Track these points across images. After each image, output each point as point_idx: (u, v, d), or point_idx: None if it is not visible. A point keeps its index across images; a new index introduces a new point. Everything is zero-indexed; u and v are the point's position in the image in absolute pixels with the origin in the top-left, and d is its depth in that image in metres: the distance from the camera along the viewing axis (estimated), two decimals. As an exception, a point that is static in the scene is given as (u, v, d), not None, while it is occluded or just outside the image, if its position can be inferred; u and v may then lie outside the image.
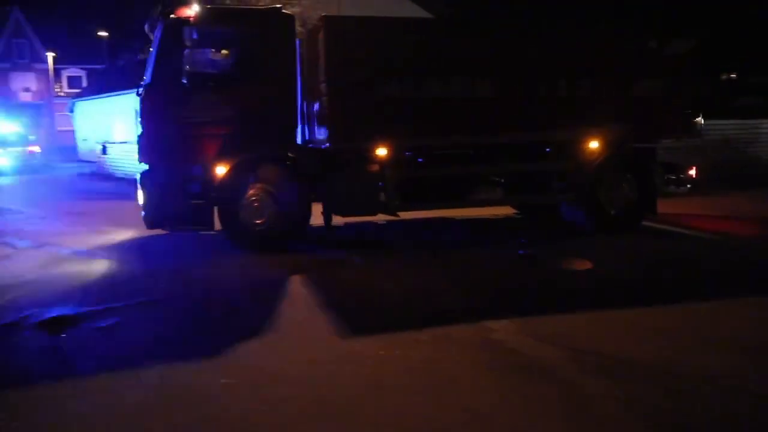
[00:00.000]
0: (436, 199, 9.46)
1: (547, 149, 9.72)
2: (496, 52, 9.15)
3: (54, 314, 6.29)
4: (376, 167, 8.90)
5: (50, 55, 43.75)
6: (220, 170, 8.47)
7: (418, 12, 19.41)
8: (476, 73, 9.08)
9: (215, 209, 8.65)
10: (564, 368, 4.62)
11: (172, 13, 8.44)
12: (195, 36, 8.03)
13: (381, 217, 9.74)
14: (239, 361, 4.92)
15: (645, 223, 10.11)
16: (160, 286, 7.28)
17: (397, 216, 9.40)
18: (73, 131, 32.60)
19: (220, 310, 6.36)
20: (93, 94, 29.19)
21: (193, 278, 7.67)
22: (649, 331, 5.39)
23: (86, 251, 9.32)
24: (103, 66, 43.52)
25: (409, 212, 9.77)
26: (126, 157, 22.30)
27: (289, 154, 8.96)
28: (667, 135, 10.24)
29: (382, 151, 8.84)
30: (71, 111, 31.22)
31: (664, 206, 10.13)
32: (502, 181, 9.88)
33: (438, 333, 5.43)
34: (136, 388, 4.51)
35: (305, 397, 4.23)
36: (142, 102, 8.66)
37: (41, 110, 47.23)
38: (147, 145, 8.68)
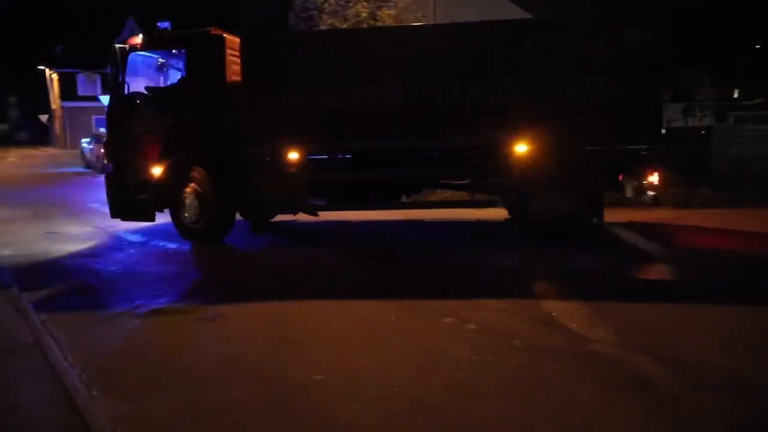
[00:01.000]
0: (349, 201, 9.86)
1: (465, 153, 9.41)
2: (397, 57, 9.02)
3: (161, 304, 6.67)
4: (288, 170, 9.34)
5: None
6: (157, 171, 9.61)
7: (516, 12, 19.04)
8: (377, 79, 9.06)
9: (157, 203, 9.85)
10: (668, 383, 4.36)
11: (123, 43, 9.88)
12: (139, 60, 9.97)
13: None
14: (336, 360, 4.99)
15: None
16: (263, 281, 7.56)
17: (317, 215, 9.79)
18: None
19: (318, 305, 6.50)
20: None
21: (293, 272, 7.93)
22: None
23: (193, 246, 9.86)
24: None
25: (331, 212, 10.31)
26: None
27: (214, 159, 9.65)
28: (619, 139, 8.89)
29: (293, 155, 9.29)
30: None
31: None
32: (415, 184, 10.02)
33: (533, 342, 5.27)
34: (238, 380, 4.68)
35: (399, 398, 4.23)
36: (105, 115, 10.18)
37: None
38: (108, 151, 10.38)
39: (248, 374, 4.78)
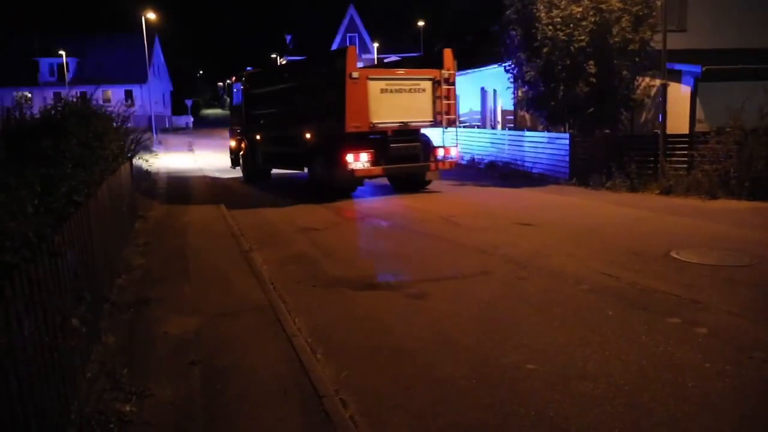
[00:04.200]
0: (276, 164, 17.85)
1: (295, 139, 15.46)
2: (280, 93, 16.62)
3: (377, 279, 7.03)
4: (258, 145, 18.08)
5: (375, 45, 48.74)
6: (233, 144, 20.15)
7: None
8: (290, 99, 16.09)
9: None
10: None
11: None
12: (236, 88, 19.79)
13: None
14: (547, 349, 4.84)
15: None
16: (468, 264, 7.61)
17: (271, 171, 18.79)
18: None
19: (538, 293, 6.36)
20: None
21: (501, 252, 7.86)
22: None
23: (392, 223, 10.21)
24: (419, 53, 46.97)
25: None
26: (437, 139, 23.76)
27: (246, 138, 18.83)
28: (337, 131, 13.43)
29: (257, 137, 17.94)
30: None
31: None
32: (294, 157, 16.26)
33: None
34: (447, 359, 4.76)
35: (617, 399, 3.96)
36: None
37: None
38: (230, 134, 21.04)
39: (458, 354, 4.83)
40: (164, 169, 22.31)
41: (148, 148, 16.36)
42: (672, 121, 13.69)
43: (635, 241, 8.57)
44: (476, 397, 4.10)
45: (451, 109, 14.51)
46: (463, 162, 21.09)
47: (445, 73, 14.21)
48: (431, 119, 14.31)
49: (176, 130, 53.81)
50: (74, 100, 9.70)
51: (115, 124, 10.73)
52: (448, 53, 14.40)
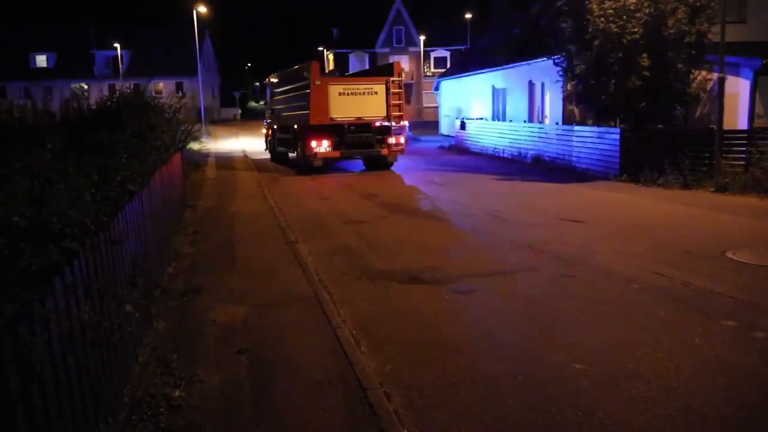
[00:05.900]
0: (283, 147, 21.59)
1: (290, 129, 20.01)
2: (283, 93, 21.38)
3: (423, 273, 7.00)
4: (275, 132, 22.90)
5: (422, 38, 48.53)
6: (264, 131, 25.37)
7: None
8: (286, 99, 20.75)
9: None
10: None
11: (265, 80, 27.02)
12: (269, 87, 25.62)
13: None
14: (596, 349, 4.74)
15: None
16: (514, 260, 7.52)
17: (288, 155, 21.51)
18: (437, 108, 35.87)
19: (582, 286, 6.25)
20: (455, 74, 31.41)
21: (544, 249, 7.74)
22: None
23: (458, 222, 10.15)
24: (465, 46, 46.63)
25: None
26: (483, 133, 23.52)
27: (271, 127, 23.91)
28: (306, 123, 17.79)
29: (274, 126, 22.87)
30: (436, 89, 34.18)
31: None
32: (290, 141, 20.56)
33: None
34: (493, 355, 4.71)
35: (669, 402, 3.85)
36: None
37: (411, 89, 52.91)
38: (265, 123, 25.76)
39: (503, 351, 4.78)
40: (214, 150, 27.73)
41: (197, 139, 18.39)
42: (729, 117, 13.21)
43: (688, 239, 8.31)
44: (522, 395, 4.05)
45: (401, 107, 18.17)
46: (508, 156, 20.86)
47: (394, 80, 17.93)
48: (384, 115, 17.93)
49: (224, 121, 54.81)
50: (128, 91, 9.96)
51: (166, 116, 10.97)
52: (397, 64, 18.71)
